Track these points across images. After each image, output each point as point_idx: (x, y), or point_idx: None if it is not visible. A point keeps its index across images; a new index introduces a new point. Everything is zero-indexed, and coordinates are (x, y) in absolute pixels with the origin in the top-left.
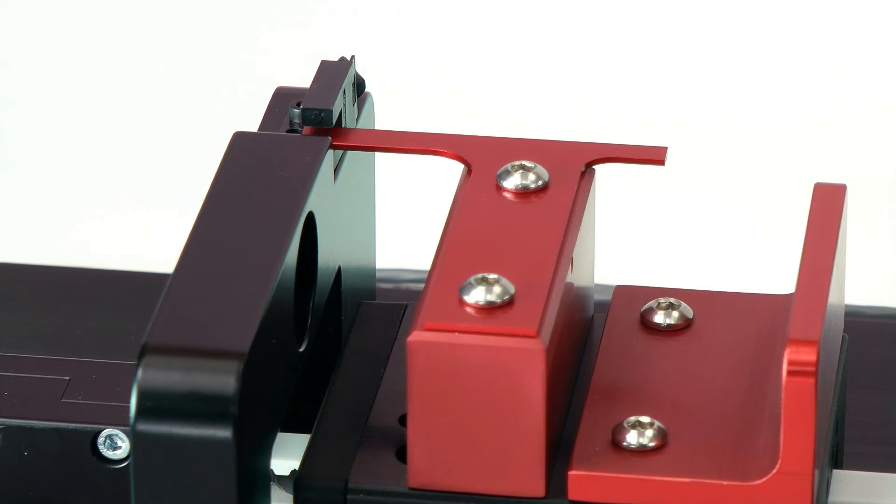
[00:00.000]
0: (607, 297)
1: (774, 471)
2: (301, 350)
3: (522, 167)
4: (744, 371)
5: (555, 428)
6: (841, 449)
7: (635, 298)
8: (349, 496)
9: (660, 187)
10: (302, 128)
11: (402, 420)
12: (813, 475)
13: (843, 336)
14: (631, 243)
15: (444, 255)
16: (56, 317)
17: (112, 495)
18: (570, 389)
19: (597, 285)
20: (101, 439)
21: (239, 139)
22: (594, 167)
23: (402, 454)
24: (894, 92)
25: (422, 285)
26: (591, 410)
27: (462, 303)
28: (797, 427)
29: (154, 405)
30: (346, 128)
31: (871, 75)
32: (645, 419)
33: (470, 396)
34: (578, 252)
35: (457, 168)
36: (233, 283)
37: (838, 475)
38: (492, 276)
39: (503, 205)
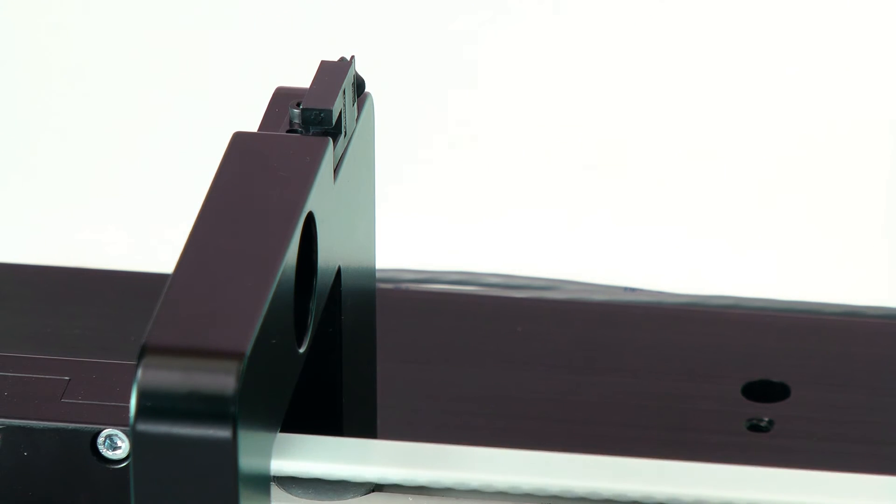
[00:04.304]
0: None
1: None
2: (301, 350)
3: None
4: None
5: None
6: None
7: None
8: None
9: (662, 187)
10: (302, 128)
11: None
12: None
13: None
14: (632, 244)
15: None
16: (56, 317)
17: (112, 495)
18: None
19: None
20: (101, 439)
21: (239, 139)
22: None
23: None
24: (893, 91)
25: (422, 285)
26: None
27: None
28: None
29: (154, 405)
30: None
31: (870, 74)
32: None
33: None
34: None
35: (456, 168)
36: (233, 283)
37: (831, 476)
38: None
39: None
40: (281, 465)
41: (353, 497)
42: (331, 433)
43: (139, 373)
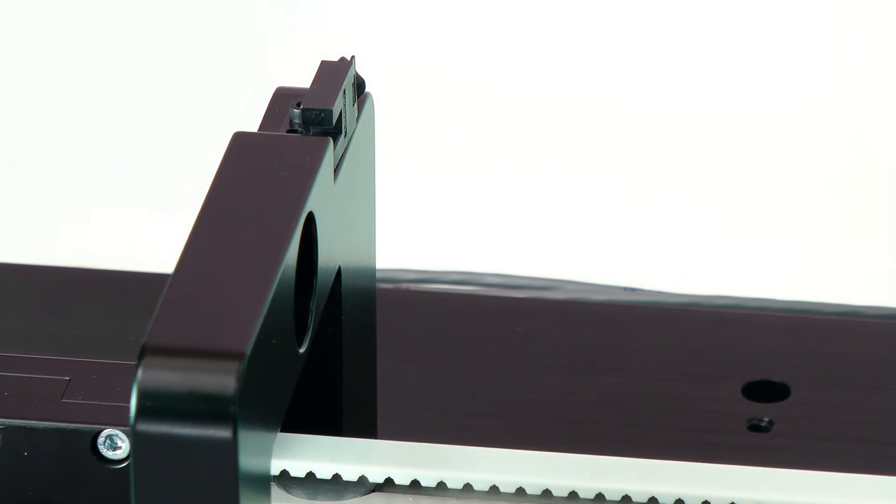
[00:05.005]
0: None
1: None
2: (301, 350)
3: None
4: None
5: None
6: None
7: None
8: None
9: (661, 186)
10: (302, 128)
11: None
12: None
13: None
14: (634, 244)
15: None
16: (56, 317)
17: (112, 495)
18: None
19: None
20: (101, 439)
21: (239, 139)
22: None
23: None
24: (893, 91)
25: (422, 285)
26: None
27: None
28: None
29: (154, 405)
30: None
31: (868, 74)
32: None
33: None
34: None
35: (456, 168)
36: (233, 283)
37: (827, 476)
38: None
39: None
40: (281, 464)
41: (353, 497)
42: (331, 433)
43: (139, 373)
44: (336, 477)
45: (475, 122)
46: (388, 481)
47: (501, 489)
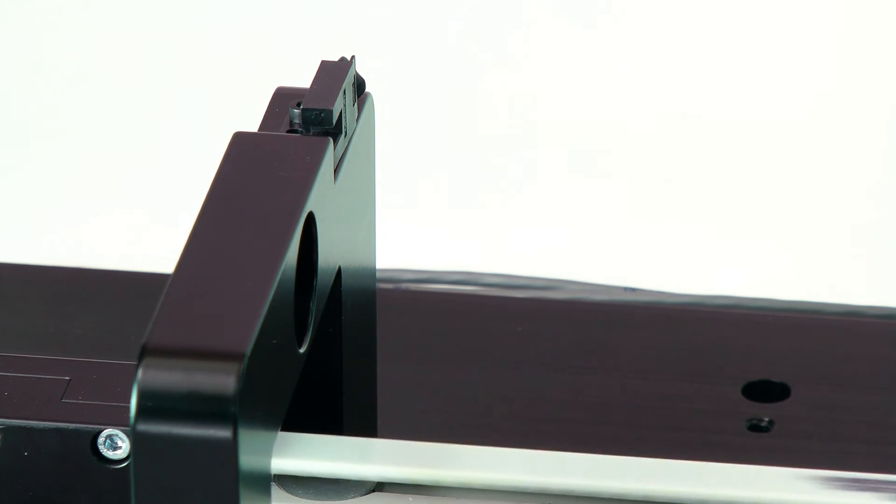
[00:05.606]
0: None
1: None
2: (301, 350)
3: None
4: None
5: None
6: None
7: None
8: None
9: (662, 186)
10: (302, 128)
11: None
12: None
13: None
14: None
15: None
16: (56, 317)
17: (112, 495)
18: None
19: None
20: (101, 439)
21: (239, 139)
22: None
23: None
24: (890, 91)
25: (422, 285)
26: None
27: None
28: None
29: (154, 405)
30: None
31: (866, 74)
32: None
33: None
34: None
35: (456, 168)
36: (233, 283)
37: (832, 475)
38: None
39: None
40: (281, 464)
41: (353, 497)
42: (331, 433)
43: (139, 373)
44: (336, 477)
45: (475, 121)
46: (388, 481)
47: (501, 489)
